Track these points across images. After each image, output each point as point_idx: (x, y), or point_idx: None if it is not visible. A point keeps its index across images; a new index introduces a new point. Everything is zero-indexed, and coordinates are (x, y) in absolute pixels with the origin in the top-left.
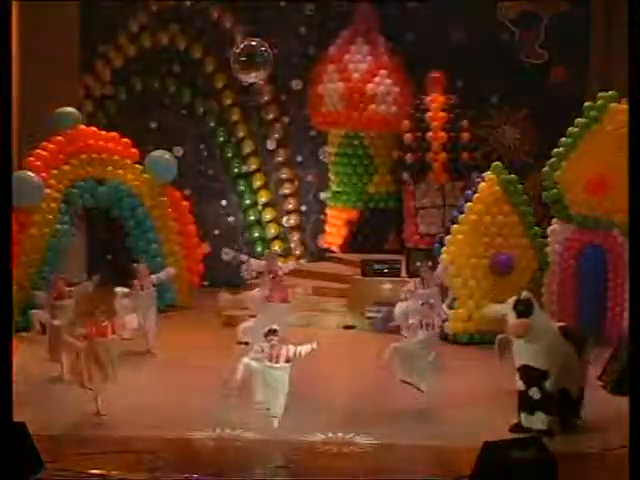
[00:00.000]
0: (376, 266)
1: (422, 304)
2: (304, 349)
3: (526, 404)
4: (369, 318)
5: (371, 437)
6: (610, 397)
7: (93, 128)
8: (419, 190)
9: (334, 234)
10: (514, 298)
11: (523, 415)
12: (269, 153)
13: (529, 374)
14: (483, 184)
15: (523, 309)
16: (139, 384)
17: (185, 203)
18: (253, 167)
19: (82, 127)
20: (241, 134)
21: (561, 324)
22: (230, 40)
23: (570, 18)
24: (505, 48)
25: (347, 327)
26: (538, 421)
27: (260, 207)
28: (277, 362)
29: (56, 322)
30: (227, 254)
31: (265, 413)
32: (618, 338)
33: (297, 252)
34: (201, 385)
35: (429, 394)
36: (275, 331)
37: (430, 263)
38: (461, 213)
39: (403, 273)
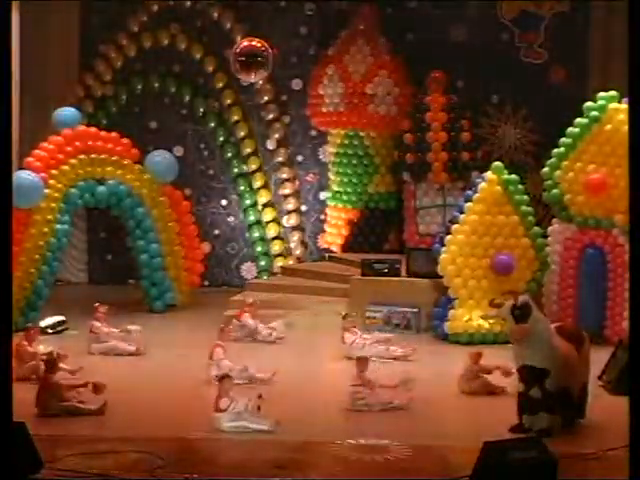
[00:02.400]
0: (376, 266)
1: None
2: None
3: (527, 405)
4: (369, 318)
5: (371, 437)
6: (610, 397)
7: (93, 128)
8: (419, 190)
9: (334, 234)
10: (511, 303)
11: (525, 416)
12: (269, 153)
13: (529, 374)
14: (483, 184)
15: (520, 314)
16: (139, 384)
17: (185, 203)
18: (253, 167)
19: (82, 127)
20: (241, 134)
21: (557, 324)
22: (230, 40)
23: (570, 18)
24: (505, 48)
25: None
26: (540, 421)
27: (260, 207)
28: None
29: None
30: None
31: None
32: (618, 338)
33: (297, 252)
34: (200, 385)
35: (429, 394)
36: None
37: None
38: (461, 213)
39: (403, 273)
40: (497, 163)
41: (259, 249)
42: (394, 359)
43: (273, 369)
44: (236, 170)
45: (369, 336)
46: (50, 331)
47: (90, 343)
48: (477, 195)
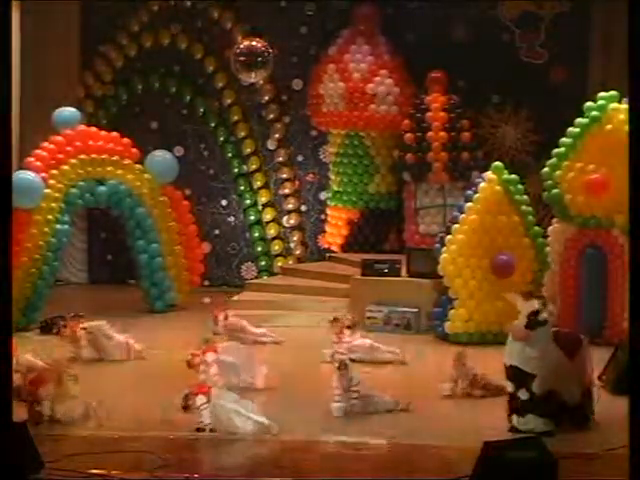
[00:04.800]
0: (376, 266)
1: None
2: None
3: (516, 406)
4: (369, 318)
5: (371, 437)
6: (610, 397)
7: (93, 128)
8: (419, 190)
9: (334, 234)
10: (535, 305)
11: (515, 417)
12: (269, 153)
13: (517, 376)
14: (484, 184)
15: (534, 322)
16: (139, 383)
17: (185, 203)
18: (253, 167)
19: (82, 127)
20: (241, 134)
21: (554, 329)
22: (230, 40)
23: (570, 18)
24: (505, 48)
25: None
26: (529, 423)
27: (260, 207)
28: None
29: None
30: None
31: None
32: (618, 338)
33: (297, 252)
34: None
35: (429, 394)
36: None
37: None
38: (462, 213)
39: (403, 273)
40: (497, 163)
41: (259, 249)
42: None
43: (264, 371)
44: (236, 170)
45: (356, 342)
46: (50, 331)
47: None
48: (477, 195)
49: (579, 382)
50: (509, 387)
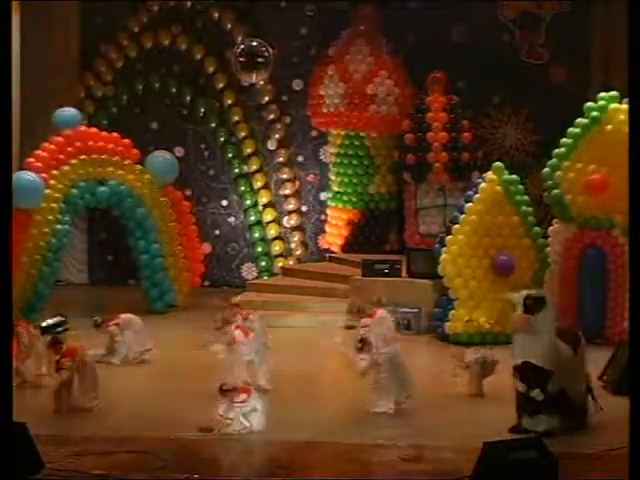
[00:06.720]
0: (377, 266)
1: None
2: None
3: (528, 406)
4: None
5: (371, 437)
6: (610, 397)
7: (94, 128)
8: (420, 190)
9: (335, 234)
10: (526, 291)
11: (524, 417)
12: (270, 153)
13: (531, 373)
14: (484, 184)
15: (529, 305)
16: (139, 384)
17: (186, 203)
18: (254, 167)
19: (83, 127)
20: (242, 134)
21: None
22: (231, 41)
23: (570, 18)
24: (505, 48)
25: (347, 327)
26: (541, 423)
27: (261, 207)
28: None
29: None
30: None
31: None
32: (619, 338)
33: (297, 252)
34: (200, 385)
35: (429, 394)
36: None
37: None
38: (462, 213)
39: (403, 273)
40: (498, 163)
41: (259, 249)
42: None
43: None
44: (237, 170)
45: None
46: (51, 332)
47: None
48: (478, 195)
49: (582, 379)
50: (520, 387)
